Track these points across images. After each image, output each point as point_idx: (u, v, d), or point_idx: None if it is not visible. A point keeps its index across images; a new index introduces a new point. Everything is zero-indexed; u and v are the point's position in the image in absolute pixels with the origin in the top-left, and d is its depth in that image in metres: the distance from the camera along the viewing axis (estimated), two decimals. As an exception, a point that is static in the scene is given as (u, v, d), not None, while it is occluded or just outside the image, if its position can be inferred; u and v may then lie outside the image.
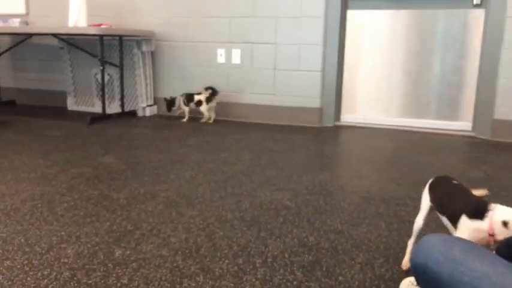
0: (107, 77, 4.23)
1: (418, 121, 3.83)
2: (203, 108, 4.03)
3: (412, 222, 1.46)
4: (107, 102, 4.18)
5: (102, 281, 1.37)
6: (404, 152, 3.17)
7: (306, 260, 1.52)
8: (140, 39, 4.18)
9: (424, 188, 1.45)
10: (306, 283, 1.38)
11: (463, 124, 3.71)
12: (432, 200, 1.37)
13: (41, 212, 1.91)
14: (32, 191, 2.17)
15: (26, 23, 4.67)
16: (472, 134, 3.62)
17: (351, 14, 3.88)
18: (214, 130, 3.75)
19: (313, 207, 2.02)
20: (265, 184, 2.34)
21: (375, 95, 3.95)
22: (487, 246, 1.18)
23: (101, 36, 3.88)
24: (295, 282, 1.38)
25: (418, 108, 3.85)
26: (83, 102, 4.64)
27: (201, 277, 1.40)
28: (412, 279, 1.30)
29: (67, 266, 1.45)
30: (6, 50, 4.65)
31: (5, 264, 1.46)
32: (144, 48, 4.21)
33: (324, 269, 1.47)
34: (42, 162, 2.69)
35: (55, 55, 4.68)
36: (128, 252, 1.56)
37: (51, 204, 2.01)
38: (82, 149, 3.04)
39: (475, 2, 3.52)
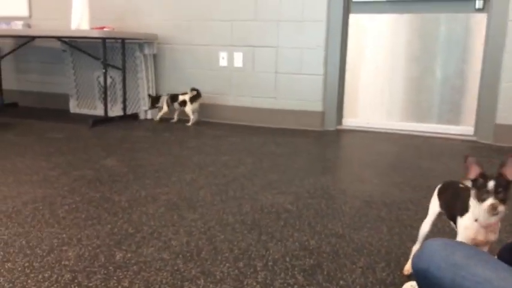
0: (109, 80, 4.24)
1: (420, 125, 3.83)
2: (187, 108, 4.04)
3: (413, 227, 1.46)
4: (109, 105, 4.19)
5: (103, 284, 1.37)
6: (406, 156, 3.16)
7: (307, 264, 1.52)
8: (142, 42, 4.19)
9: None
10: (307, 287, 1.37)
11: (465, 128, 3.70)
12: (441, 205, 1.37)
13: (42, 215, 1.91)
14: (33, 193, 2.17)
15: (29, 26, 4.69)
16: (474, 138, 3.61)
17: (353, 17, 3.89)
18: (215, 133, 3.75)
19: (314, 211, 2.01)
20: (267, 187, 2.33)
21: (377, 99, 3.95)
22: (481, 246, 1.19)
23: (104, 39, 3.89)
24: (296, 286, 1.38)
25: (420, 112, 3.85)
26: (85, 105, 4.65)
27: (202, 280, 1.40)
28: (413, 283, 1.29)
29: (68, 269, 1.45)
30: (9, 53, 4.67)
31: (6, 267, 1.46)
32: (147, 51, 4.22)
33: (325, 273, 1.46)
34: (44, 164, 2.69)
35: (57, 58, 4.69)
36: (129, 255, 1.56)
37: (53, 206, 2.01)
38: (84, 151, 3.04)
39: (477, 6, 3.52)
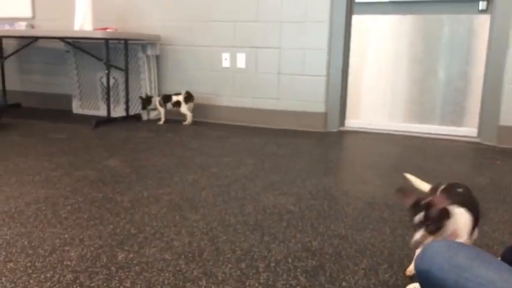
0: (112, 81, 4.24)
1: (423, 126, 3.82)
2: (183, 108, 4.04)
3: (416, 228, 1.45)
4: (112, 106, 4.19)
5: (105, 284, 1.36)
6: (409, 158, 3.15)
7: (310, 265, 1.51)
8: (145, 43, 4.20)
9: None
10: (309, 288, 1.37)
11: (468, 130, 3.69)
12: None
13: (44, 215, 1.91)
14: (36, 194, 2.17)
15: (32, 27, 4.71)
16: (478, 140, 3.60)
17: (356, 19, 3.88)
18: (217, 134, 3.75)
19: (316, 212, 2.01)
20: (269, 188, 2.33)
21: (380, 100, 3.94)
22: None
23: (107, 40, 3.90)
24: (298, 287, 1.37)
25: (423, 114, 3.84)
26: (88, 105, 4.66)
27: (204, 281, 1.40)
28: (416, 285, 1.29)
29: (70, 269, 1.45)
30: (13, 53, 4.68)
31: (8, 267, 1.46)
32: (149, 52, 4.23)
33: (328, 274, 1.46)
34: (47, 165, 2.69)
35: (61, 58, 4.70)
36: (131, 255, 1.56)
37: (55, 207, 2.01)
38: (86, 152, 3.04)
39: (480, 8, 3.51)
